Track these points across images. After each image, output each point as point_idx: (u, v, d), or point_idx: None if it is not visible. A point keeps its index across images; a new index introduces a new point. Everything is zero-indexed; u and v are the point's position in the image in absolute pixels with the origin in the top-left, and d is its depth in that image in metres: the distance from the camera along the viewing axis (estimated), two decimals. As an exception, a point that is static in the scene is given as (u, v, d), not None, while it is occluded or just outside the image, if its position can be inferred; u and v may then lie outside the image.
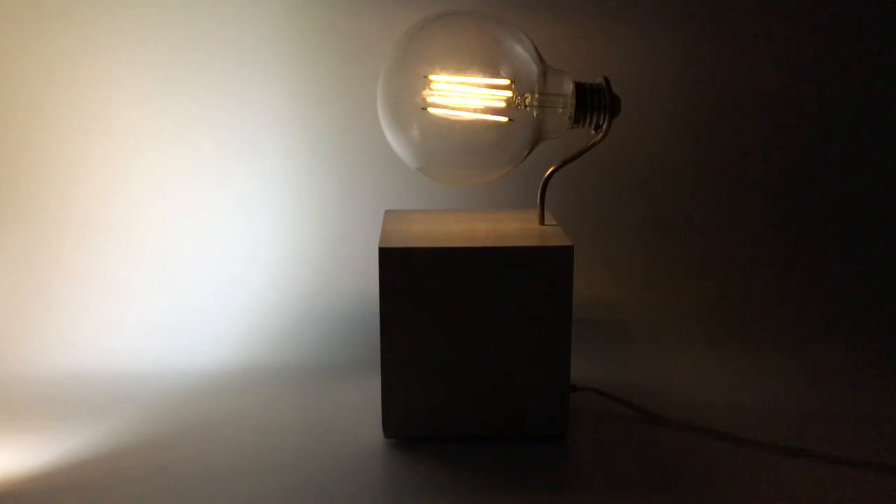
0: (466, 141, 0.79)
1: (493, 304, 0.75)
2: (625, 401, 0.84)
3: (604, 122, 0.78)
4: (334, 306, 1.05)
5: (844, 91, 1.13)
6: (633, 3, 1.08)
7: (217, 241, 1.07)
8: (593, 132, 0.79)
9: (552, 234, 0.79)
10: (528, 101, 0.78)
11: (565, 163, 0.82)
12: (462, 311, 0.75)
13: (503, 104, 0.78)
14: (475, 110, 0.78)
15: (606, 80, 0.79)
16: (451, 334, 0.75)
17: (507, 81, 0.77)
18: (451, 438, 0.77)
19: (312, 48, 1.06)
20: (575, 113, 0.78)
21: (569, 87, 0.78)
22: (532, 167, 0.84)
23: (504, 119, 0.78)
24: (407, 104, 0.78)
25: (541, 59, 0.79)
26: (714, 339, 1.02)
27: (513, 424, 0.77)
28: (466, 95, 0.77)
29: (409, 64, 0.78)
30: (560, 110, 0.78)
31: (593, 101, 0.78)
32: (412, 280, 0.74)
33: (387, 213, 0.88)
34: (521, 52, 0.78)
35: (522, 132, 0.79)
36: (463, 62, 0.77)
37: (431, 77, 0.77)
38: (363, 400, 0.86)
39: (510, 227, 0.82)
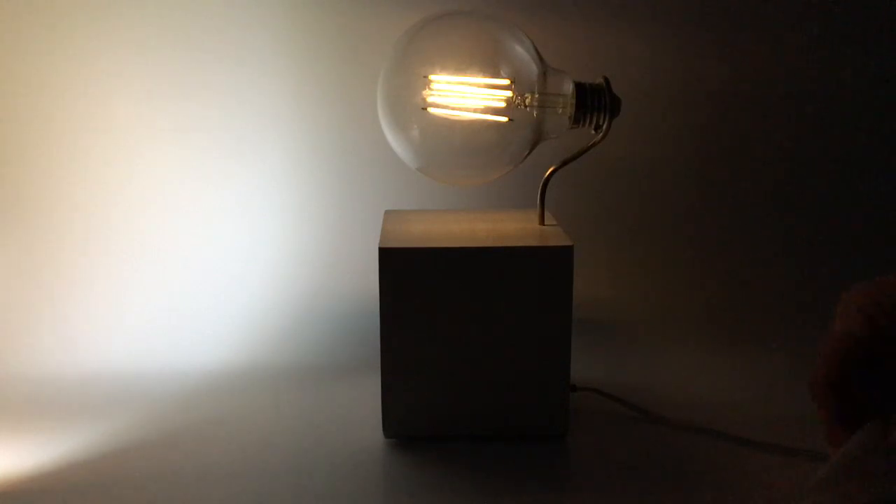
0: (466, 141, 0.79)
1: (493, 304, 0.75)
2: (625, 401, 0.84)
3: (604, 123, 0.78)
4: (334, 306, 1.05)
5: (847, 91, 1.13)
6: (634, 2, 1.08)
7: (217, 241, 1.07)
8: (593, 132, 0.79)
9: (552, 234, 0.79)
10: (528, 101, 0.78)
11: (565, 163, 0.82)
12: (462, 311, 0.75)
13: (503, 104, 0.78)
14: (475, 110, 0.78)
15: (606, 80, 0.79)
16: (451, 334, 0.75)
17: (507, 81, 0.77)
18: (451, 438, 0.77)
19: (312, 48, 1.06)
20: (575, 113, 0.78)
21: (569, 87, 0.78)
22: (532, 167, 0.84)
23: (504, 119, 0.78)
24: (407, 104, 0.78)
25: (541, 59, 0.79)
26: (714, 339, 1.02)
27: (513, 424, 0.77)
28: (466, 95, 0.77)
29: (409, 64, 0.78)
30: (560, 110, 0.78)
31: (593, 101, 0.78)
32: (412, 280, 0.74)
33: (387, 213, 0.88)
34: (521, 52, 0.78)
35: (522, 132, 0.79)
36: (463, 62, 0.77)
37: (431, 77, 0.77)
38: (363, 400, 0.86)
39: (510, 227, 0.82)
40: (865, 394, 0.58)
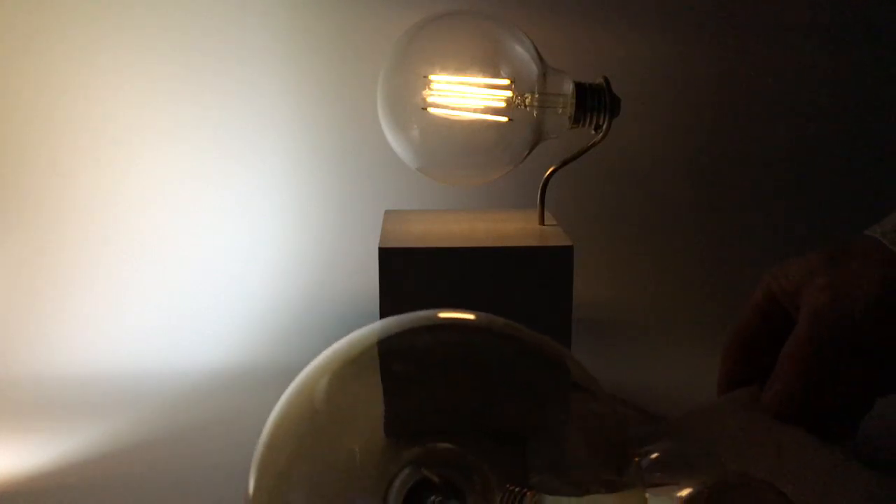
0: (466, 141, 0.79)
1: (493, 304, 0.74)
2: (624, 401, 0.84)
3: (604, 122, 0.78)
4: (334, 306, 1.05)
5: (850, 93, 1.13)
6: (635, 2, 1.08)
7: (217, 241, 1.07)
8: (593, 132, 0.79)
9: (552, 234, 0.79)
10: (528, 101, 0.78)
11: (565, 163, 0.82)
12: (462, 311, 0.75)
13: (503, 104, 0.78)
14: (475, 110, 0.78)
15: (606, 80, 0.79)
16: (451, 334, 0.75)
17: (507, 81, 0.77)
18: (451, 438, 0.77)
19: (312, 48, 1.06)
20: (575, 113, 0.78)
21: (569, 87, 0.78)
22: (532, 167, 0.84)
23: (504, 119, 0.78)
24: (407, 104, 0.78)
25: (541, 59, 0.79)
26: (715, 340, 1.02)
27: (513, 424, 0.77)
28: (466, 95, 0.77)
29: (409, 64, 0.78)
30: (560, 110, 0.78)
31: (593, 101, 0.78)
32: (412, 280, 0.74)
33: (387, 213, 0.88)
34: (521, 52, 0.78)
35: (522, 132, 0.79)
36: (463, 62, 0.77)
37: (431, 77, 0.77)
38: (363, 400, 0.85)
39: (510, 227, 0.82)
40: (761, 359, 0.68)
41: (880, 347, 0.63)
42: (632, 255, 1.13)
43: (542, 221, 0.83)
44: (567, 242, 0.75)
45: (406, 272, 0.74)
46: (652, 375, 0.93)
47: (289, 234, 1.08)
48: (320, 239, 1.09)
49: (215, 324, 1.02)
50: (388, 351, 0.49)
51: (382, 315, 0.74)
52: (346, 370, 0.49)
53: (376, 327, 0.49)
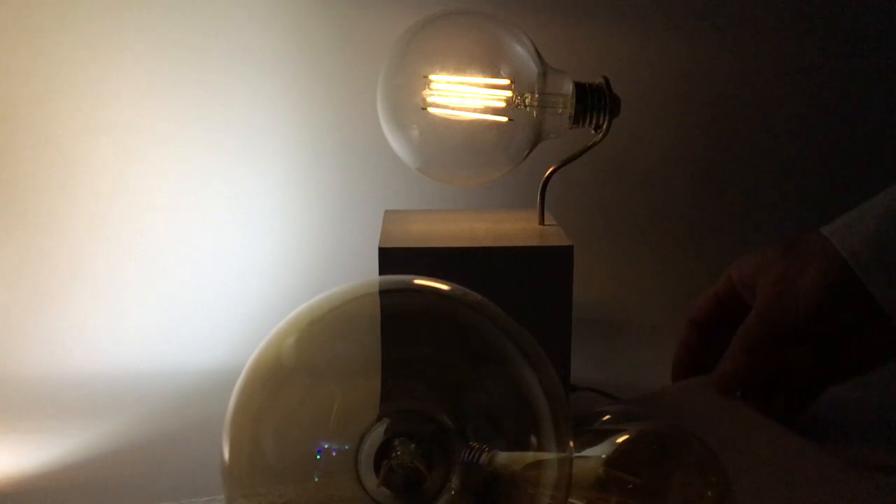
0: (466, 141, 0.79)
1: (493, 303, 0.75)
2: (625, 401, 0.84)
3: (604, 122, 0.78)
4: (334, 306, 1.05)
5: (850, 91, 1.13)
6: (635, 2, 1.08)
7: (217, 241, 1.07)
8: (593, 132, 0.79)
9: (552, 234, 0.79)
10: (527, 101, 0.78)
11: (565, 163, 0.82)
12: (462, 311, 0.75)
13: (503, 104, 0.78)
14: (475, 110, 0.78)
15: (606, 80, 0.79)
16: (451, 334, 0.75)
17: (506, 81, 0.77)
18: (451, 438, 0.77)
19: (312, 48, 1.06)
20: (575, 113, 0.78)
21: (569, 87, 0.78)
22: (532, 167, 0.84)
23: (504, 119, 0.78)
24: (407, 104, 0.78)
25: (540, 59, 0.79)
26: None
27: (513, 424, 0.77)
28: (466, 95, 0.77)
29: (409, 64, 0.78)
30: (560, 110, 0.78)
31: (593, 101, 0.78)
32: (412, 280, 0.74)
33: (387, 213, 0.88)
34: (521, 52, 0.78)
35: (522, 132, 0.79)
36: (463, 62, 0.78)
37: (431, 77, 0.77)
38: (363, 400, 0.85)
39: (510, 227, 0.82)
40: (716, 344, 0.73)
41: (822, 337, 0.68)
42: (632, 255, 1.13)
43: (542, 221, 0.83)
44: (567, 242, 0.76)
45: (406, 272, 0.74)
46: (652, 375, 0.93)
47: (289, 234, 1.08)
48: (320, 239, 1.09)
49: (214, 324, 1.02)
50: (357, 309, 0.52)
51: (383, 316, 0.74)
52: (313, 328, 0.52)
53: (345, 288, 0.52)
